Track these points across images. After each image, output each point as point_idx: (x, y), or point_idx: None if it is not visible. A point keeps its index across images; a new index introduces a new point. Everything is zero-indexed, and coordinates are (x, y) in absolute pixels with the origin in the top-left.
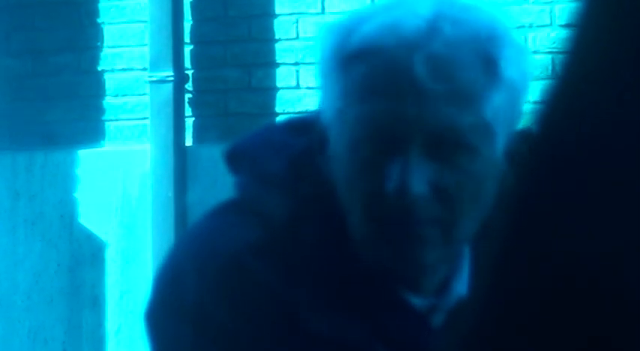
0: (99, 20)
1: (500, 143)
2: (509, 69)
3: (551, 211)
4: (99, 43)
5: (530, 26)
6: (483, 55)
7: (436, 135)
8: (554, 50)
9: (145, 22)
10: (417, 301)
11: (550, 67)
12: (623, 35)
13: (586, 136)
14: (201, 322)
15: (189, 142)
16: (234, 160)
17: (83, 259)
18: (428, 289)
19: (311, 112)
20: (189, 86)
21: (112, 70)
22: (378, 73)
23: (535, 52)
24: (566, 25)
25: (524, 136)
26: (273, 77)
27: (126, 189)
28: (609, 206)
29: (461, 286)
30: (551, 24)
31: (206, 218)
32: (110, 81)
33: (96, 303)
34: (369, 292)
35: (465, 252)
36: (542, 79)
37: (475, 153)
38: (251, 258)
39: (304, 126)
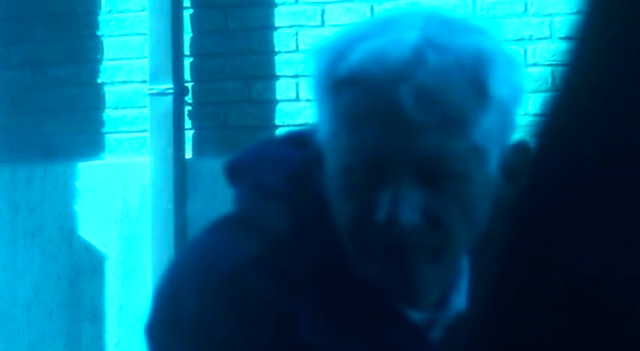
0: (99, 32)
1: (494, 161)
2: (499, 88)
3: (552, 225)
4: (99, 56)
5: (530, 38)
6: (471, 79)
7: (425, 164)
8: (554, 63)
9: (145, 34)
10: (416, 316)
11: (550, 80)
12: (622, 47)
13: (586, 148)
14: (201, 335)
15: (188, 154)
16: (234, 173)
17: (83, 271)
18: (426, 303)
19: (311, 125)
20: (189, 99)
21: (112, 83)
22: (366, 103)
23: (535, 65)
24: (566, 38)
25: (521, 148)
26: (272, 90)
27: (126, 201)
28: (610, 219)
29: (459, 300)
30: (550, 36)
31: (205, 232)
32: (110, 93)
33: (96, 315)
34: (368, 306)
35: (463, 266)
36: (542, 91)
37: (465, 178)
38: (250, 272)
39: (304, 139)
